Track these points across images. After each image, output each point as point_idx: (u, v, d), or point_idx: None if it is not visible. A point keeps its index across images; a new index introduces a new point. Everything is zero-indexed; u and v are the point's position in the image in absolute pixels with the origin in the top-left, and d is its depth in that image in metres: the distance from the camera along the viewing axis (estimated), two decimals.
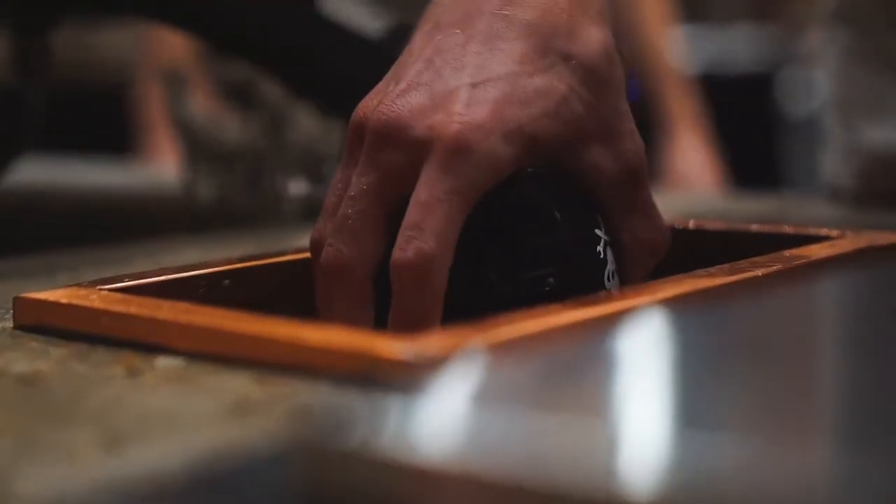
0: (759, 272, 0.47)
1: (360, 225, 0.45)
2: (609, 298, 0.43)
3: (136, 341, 0.43)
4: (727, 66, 2.64)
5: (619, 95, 0.48)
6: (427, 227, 0.43)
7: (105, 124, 1.87)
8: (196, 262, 0.51)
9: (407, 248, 0.43)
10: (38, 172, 0.86)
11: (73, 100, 1.67)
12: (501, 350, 0.38)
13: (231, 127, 0.91)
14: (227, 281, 0.51)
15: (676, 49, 1.92)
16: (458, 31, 0.47)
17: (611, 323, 0.40)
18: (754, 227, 0.57)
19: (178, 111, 0.94)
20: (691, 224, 0.59)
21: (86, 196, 0.99)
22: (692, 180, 1.75)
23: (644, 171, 0.48)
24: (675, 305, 0.43)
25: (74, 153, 1.45)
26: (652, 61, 1.79)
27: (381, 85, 0.48)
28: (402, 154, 0.45)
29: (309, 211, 0.81)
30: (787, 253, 0.50)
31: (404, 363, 0.37)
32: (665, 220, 0.49)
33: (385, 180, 0.45)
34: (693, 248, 0.58)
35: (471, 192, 0.44)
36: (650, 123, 1.76)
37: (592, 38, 0.47)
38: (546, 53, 0.46)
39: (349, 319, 0.45)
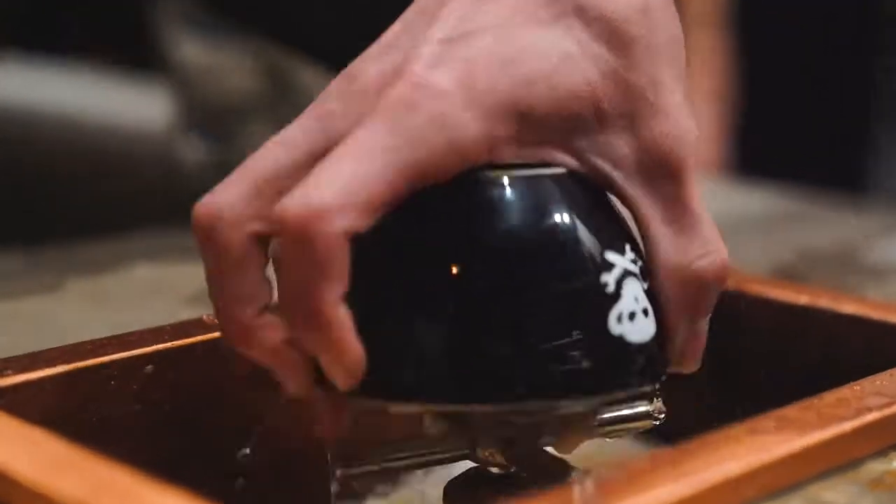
0: (848, 426, 0.34)
1: (258, 169, 0.33)
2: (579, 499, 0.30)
3: None
4: None
5: (660, 59, 0.35)
6: (326, 176, 0.31)
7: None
8: (109, 338, 0.40)
9: (291, 199, 0.31)
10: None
11: None
12: None
13: (236, 79, 0.79)
14: (150, 367, 0.40)
15: None
16: None
17: None
18: (822, 302, 0.44)
19: (174, 50, 0.82)
20: (733, 284, 0.44)
21: (43, 146, 0.86)
22: None
23: (686, 167, 0.35)
24: None
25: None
26: None
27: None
28: (342, 103, 0.33)
29: None
30: (879, 380, 0.38)
31: None
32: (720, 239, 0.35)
33: (312, 124, 0.33)
34: (734, 328, 0.45)
35: (409, 154, 0.32)
36: None
37: None
38: (551, 1, 0.34)
39: (232, 295, 0.33)
